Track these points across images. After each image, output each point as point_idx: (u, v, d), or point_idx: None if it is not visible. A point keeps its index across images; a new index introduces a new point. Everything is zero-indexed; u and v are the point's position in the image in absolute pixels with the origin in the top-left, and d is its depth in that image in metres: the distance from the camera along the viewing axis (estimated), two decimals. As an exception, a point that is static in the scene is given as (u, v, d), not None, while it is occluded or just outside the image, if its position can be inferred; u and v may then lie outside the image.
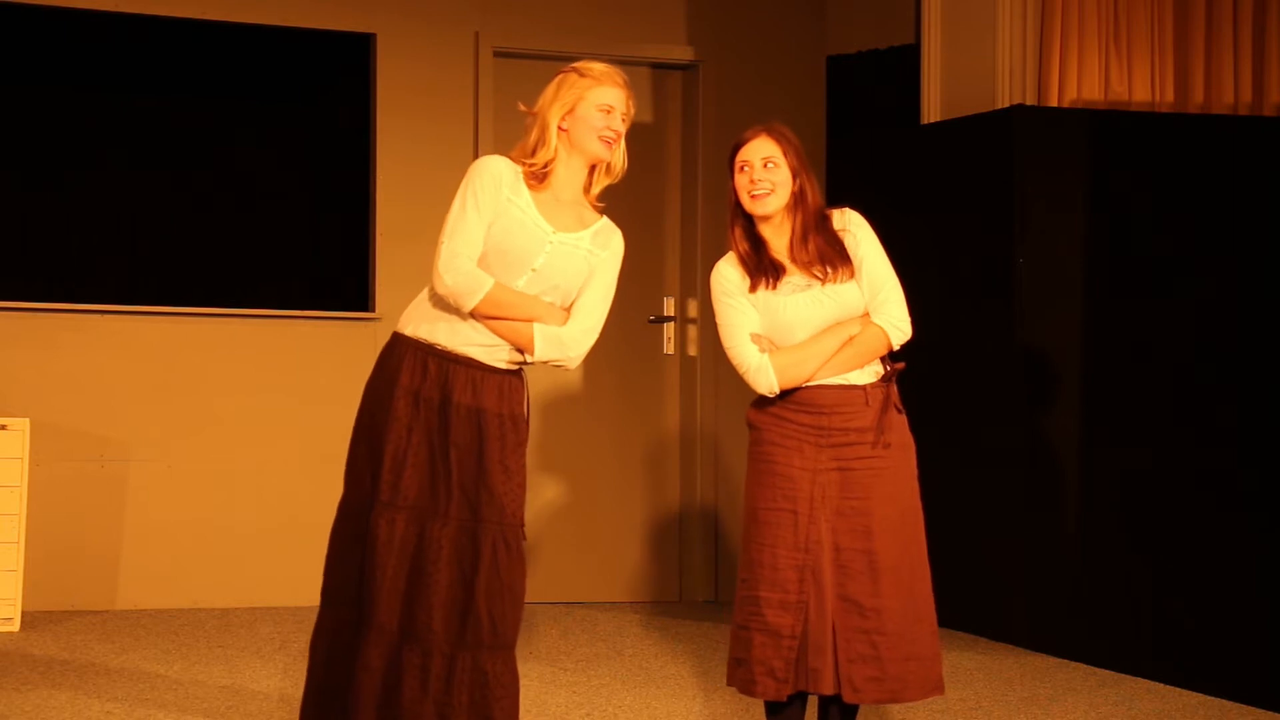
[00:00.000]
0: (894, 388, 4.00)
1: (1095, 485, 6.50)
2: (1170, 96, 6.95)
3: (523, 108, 3.99)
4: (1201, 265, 6.61)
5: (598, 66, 3.94)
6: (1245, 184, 6.66)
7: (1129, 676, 5.76)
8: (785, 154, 3.95)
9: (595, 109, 3.88)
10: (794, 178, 3.95)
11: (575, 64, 3.95)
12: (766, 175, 3.94)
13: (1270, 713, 5.18)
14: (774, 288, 3.96)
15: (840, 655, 3.86)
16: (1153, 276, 6.58)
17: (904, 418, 4.01)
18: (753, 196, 3.96)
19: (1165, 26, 6.95)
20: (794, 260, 3.97)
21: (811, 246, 3.95)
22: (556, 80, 3.94)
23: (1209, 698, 5.39)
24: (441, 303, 3.87)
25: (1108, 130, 6.60)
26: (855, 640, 3.86)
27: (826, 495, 3.92)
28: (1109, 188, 6.56)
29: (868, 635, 3.85)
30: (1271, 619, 6.52)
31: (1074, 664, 6.00)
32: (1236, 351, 6.62)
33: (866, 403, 3.94)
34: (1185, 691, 5.50)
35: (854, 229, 3.99)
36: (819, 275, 3.94)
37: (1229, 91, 6.98)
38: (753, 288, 3.97)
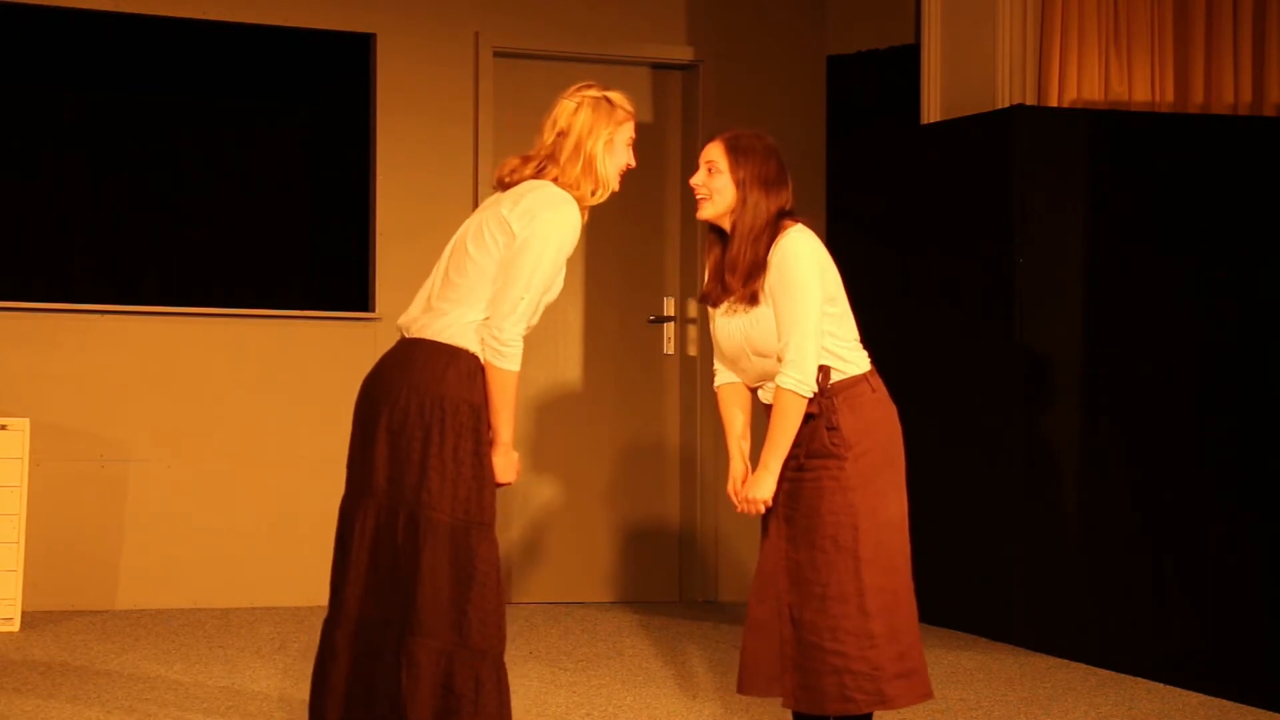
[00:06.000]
0: (827, 402, 3.77)
1: (1095, 485, 6.50)
2: (1170, 96, 6.94)
3: (558, 127, 3.81)
4: (1201, 265, 6.61)
5: (624, 99, 3.86)
6: (1245, 184, 6.66)
7: (1129, 676, 5.75)
8: (733, 164, 3.76)
9: (625, 145, 3.85)
10: (737, 188, 3.77)
11: (604, 92, 3.83)
12: (705, 180, 3.81)
13: (1270, 713, 5.18)
14: (716, 306, 3.88)
15: (768, 661, 3.87)
16: (1153, 276, 6.57)
17: (859, 430, 3.81)
18: (695, 199, 3.87)
19: (1165, 26, 6.95)
20: (729, 275, 3.82)
21: (739, 271, 3.78)
22: (590, 105, 3.80)
23: (1209, 698, 5.39)
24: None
25: (1108, 130, 6.60)
26: (790, 647, 3.85)
27: (775, 504, 3.90)
28: (1109, 188, 6.56)
29: (796, 644, 3.84)
30: (1271, 619, 6.53)
31: (1074, 664, 6.00)
32: (1237, 351, 6.62)
33: (767, 416, 3.85)
34: (1185, 691, 5.49)
35: (776, 261, 3.73)
36: (742, 302, 3.80)
37: (1229, 91, 6.98)
38: (714, 301, 3.88)
